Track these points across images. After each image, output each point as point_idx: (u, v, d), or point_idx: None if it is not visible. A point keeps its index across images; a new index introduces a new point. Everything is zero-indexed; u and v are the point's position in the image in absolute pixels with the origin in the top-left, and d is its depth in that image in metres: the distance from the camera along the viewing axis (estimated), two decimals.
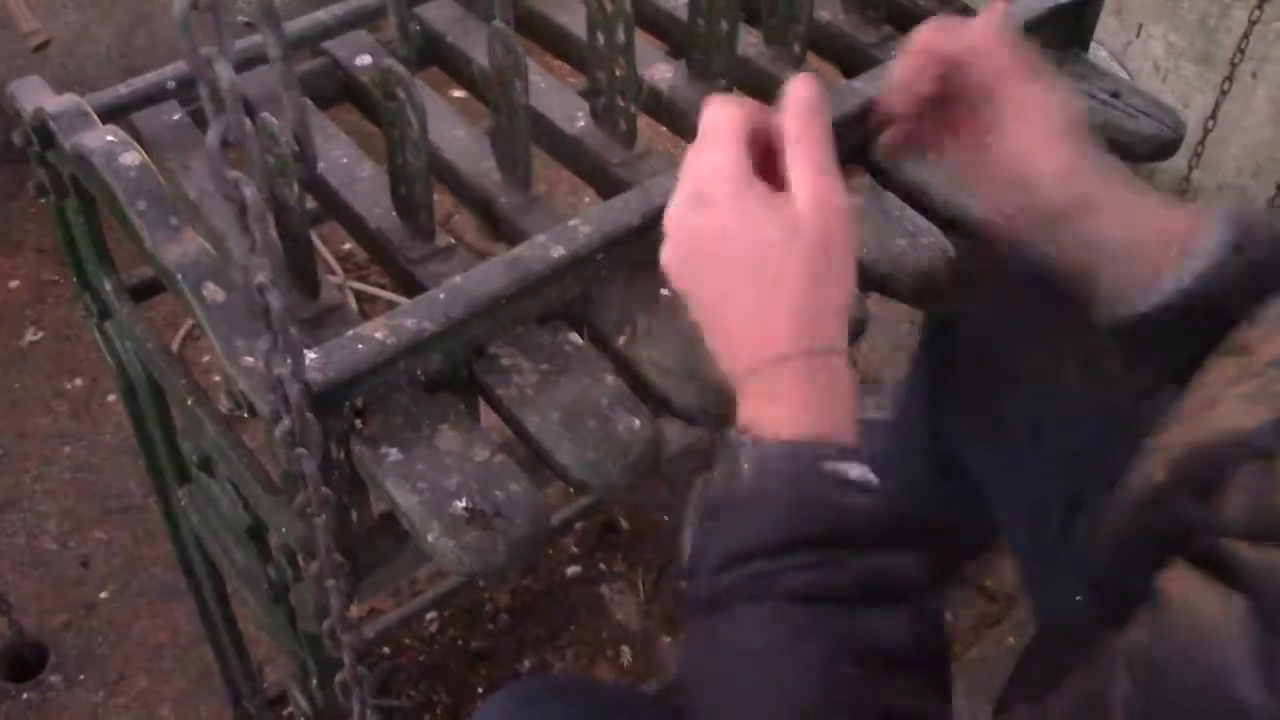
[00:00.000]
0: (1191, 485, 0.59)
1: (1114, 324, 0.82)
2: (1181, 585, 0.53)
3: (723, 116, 0.74)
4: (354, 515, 0.86)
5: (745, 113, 0.75)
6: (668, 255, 0.76)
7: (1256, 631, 0.49)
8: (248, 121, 0.46)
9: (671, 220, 0.75)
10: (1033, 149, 0.82)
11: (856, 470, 0.68)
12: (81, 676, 1.71)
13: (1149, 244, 0.80)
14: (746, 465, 0.69)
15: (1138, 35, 2.44)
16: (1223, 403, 0.65)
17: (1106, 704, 0.54)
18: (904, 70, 0.88)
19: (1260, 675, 0.48)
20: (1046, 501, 1.09)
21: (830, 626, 0.64)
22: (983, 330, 1.14)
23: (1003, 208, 0.85)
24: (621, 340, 0.90)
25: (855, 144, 1.04)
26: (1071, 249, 0.82)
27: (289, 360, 0.61)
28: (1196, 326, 0.75)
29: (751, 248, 0.72)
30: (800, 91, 0.74)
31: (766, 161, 0.75)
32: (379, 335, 0.81)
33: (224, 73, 0.42)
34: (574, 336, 0.90)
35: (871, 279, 0.95)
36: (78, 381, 2.11)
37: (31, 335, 2.18)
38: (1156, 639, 0.53)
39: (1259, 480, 0.54)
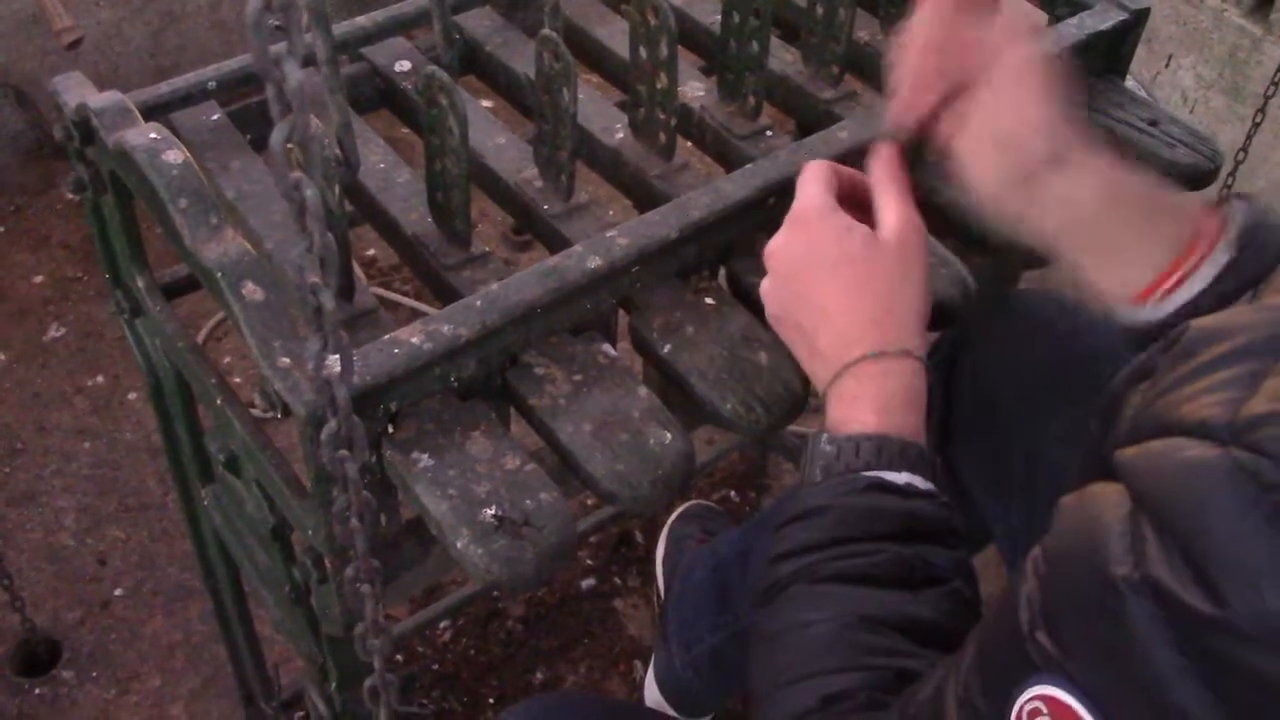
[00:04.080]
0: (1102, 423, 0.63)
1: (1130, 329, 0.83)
2: (1078, 495, 0.58)
3: (809, 166, 0.89)
4: (383, 520, 0.86)
5: (829, 163, 0.90)
6: (766, 282, 0.88)
7: (1126, 512, 0.53)
8: (314, 122, 0.46)
9: (770, 250, 0.87)
10: (1018, 104, 0.84)
11: (904, 477, 0.78)
12: (94, 673, 1.71)
13: (1131, 215, 0.82)
14: (818, 466, 0.80)
15: (1167, 65, 2.44)
16: None
17: (1016, 602, 0.59)
18: (912, 71, 0.89)
19: (1126, 546, 0.52)
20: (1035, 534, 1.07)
21: (858, 600, 0.74)
22: (984, 368, 1.12)
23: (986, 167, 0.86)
24: (666, 348, 0.90)
25: None
26: (1047, 211, 0.84)
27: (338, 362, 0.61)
28: None
29: (835, 259, 0.84)
30: (886, 150, 0.89)
31: (857, 212, 0.87)
32: (415, 340, 0.82)
33: (293, 72, 0.42)
34: (607, 347, 0.90)
35: None
36: (99, 378, 2.11)
37: (54, 331, 2.19)
38: (1052, 537, 0.58)
39: (1142, 395, 0.58)
